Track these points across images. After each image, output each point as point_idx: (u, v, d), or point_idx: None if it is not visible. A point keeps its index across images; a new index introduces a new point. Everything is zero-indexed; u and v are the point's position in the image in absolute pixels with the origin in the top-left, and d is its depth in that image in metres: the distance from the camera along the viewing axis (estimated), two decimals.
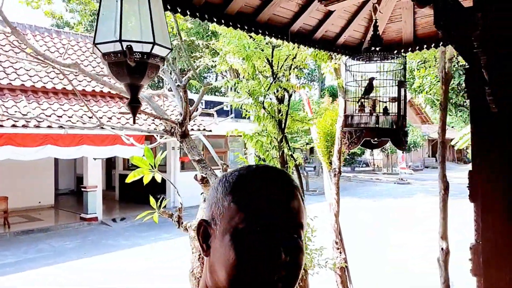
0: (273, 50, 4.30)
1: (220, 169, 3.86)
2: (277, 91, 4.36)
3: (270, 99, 4.58)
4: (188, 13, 1.87)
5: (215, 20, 1.99)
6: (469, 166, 1.39)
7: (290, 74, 4.59)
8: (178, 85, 3.60)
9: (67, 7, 20.80)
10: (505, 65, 1.25)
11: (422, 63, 9.46)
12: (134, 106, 1.24)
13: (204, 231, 0.76)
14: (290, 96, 4.58)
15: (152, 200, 3.45)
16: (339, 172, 5.65)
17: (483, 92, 1.27)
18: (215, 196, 0.76)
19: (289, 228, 0.72)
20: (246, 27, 2.15)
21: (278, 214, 0.71)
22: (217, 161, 4.01)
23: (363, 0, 2.26)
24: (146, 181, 3.42)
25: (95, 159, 11.64)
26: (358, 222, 11.36)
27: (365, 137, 1.91)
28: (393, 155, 28.37)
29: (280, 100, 4.46)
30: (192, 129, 11.23)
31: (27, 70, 10.20)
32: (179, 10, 1.84)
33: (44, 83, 10.44)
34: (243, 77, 4.68)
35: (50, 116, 9.40)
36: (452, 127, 23.65)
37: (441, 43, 2.44)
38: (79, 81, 11.13)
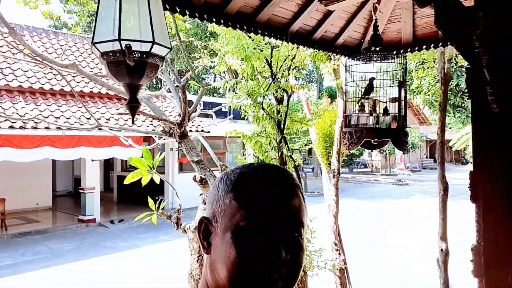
0: (272, 50, 4.29)
1: (218, 170, 3.86)
2: (276, 91, 4.35)
3: (269, 99, 4.57)
4: (187, 13, 1.86)
5: (214, 20, 1.98)
6: (467, 167, 1.38)
7: (289, 74, 4.59)
8: (177, 86, 3.59)
9: (65, 8, 20.78)
10: (506, 65, 1.24)
11: (420, 64, 9.48)
12: (133, 106, 1.23)
13: (205, 229, 0.76)
14: (289, 96, 4.56)
15: (150, 201, 3.44)
16: (338, 173, 5.64)
17: (484, 92, 1.26)
18: (216, 194, 0.76)
19: (290, 226, 0.72)
20: (245, 27, 2.15)
21: (279, 212, 0.71)
22: (215, 162, 4.01)
23: (363, 0, 2.25)
24: (144, 182, 3.40)
25: (93, 160, 11.60)
26: (356, 223, 11.36)
27: (366, 138, 1.90)
28: (391, 156, 28.43)
29: (279, 101, 4.45)
30: (191, 130, 11.21)
31: (25, 71, 10.15)
32: (178, 10, 1.82)
33: (42, 84, 10.40)
34: (242, 78, 4.66)
35: (47, 117, 9.35)
36: (450, 128, 23.64)
37: (441, 43, 2.44)
38: (77, 82, 11.10)
